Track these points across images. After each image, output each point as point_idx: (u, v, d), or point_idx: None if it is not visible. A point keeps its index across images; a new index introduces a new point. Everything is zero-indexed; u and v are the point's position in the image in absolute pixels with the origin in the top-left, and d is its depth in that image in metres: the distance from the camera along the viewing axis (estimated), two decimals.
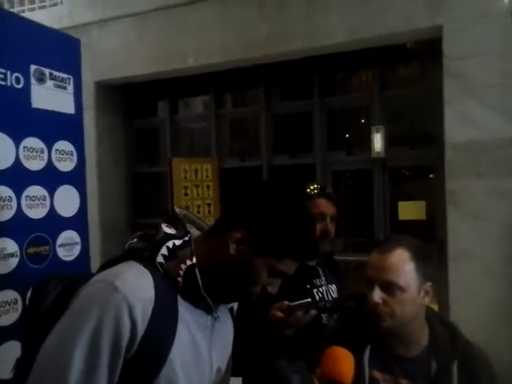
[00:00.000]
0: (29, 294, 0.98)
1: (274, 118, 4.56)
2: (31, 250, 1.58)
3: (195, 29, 4.14)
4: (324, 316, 1.61)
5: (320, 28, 3.74)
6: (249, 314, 1.12)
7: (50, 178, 1.68)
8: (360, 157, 4.18)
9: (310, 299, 1.41)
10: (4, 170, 1.50)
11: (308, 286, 1.63)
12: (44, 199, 1.64)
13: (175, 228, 0.95)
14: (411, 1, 3.43)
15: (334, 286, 1.72)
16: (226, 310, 1.06)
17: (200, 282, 0.90)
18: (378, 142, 4.01)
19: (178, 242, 0.92)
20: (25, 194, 1.57)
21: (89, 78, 4.27)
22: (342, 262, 1.88)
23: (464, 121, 3.27)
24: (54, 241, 1.69)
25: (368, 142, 4.04)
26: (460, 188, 3.30)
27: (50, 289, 0.93)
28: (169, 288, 0.88)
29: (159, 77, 4.51)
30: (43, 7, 4.91)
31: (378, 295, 1.14)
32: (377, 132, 4.01)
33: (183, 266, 0.89)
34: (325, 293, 1.66)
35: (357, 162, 4.26)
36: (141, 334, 0.82)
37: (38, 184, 1.62)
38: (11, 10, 4.90)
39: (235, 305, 1.10)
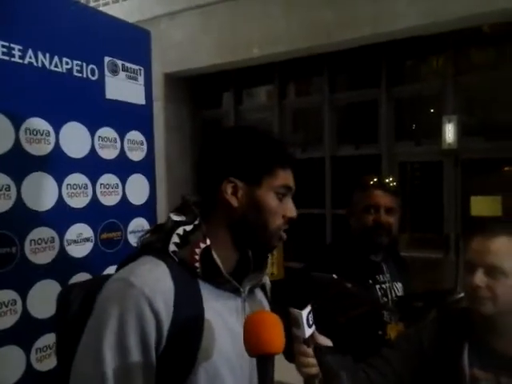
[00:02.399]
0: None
1: (338, 107, 4.46)
2: (104, 236, 1.65)
3: (260, 18, 4.13)
4: (386, 313, 1.56)
5: (389, 12, 3.58)
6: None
7: (123, 167, 1.73)
8: (430, 148, 4.00)
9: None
10: (81, 158, 1.58)
11: (370, 282, 1.58)
12: (117, 187, 1.71)
13: (185, 215, 0.92)
14: None
15: (399, 283, 1.65)
16: (258, 289, 1.02)
17: (220, 263, 0.87)
18: (449, 132, 3.80)
19: (188, 228, 0.89)
20: (99, 181, 1.64)
21: (158, 69, 4.40)
22: (407, 258, 1.80)
23: None
24: (126, 227, 1.75)
25: (438, 133, 3.84)
26: None
27: (73, 298, 0.93)
28: (187, 275, 0.86)
29: (224, 67, 4.56)
30: (116, 1, 5.12)
31: (480, 279, 1.11)
32: (449, 122, 3.80)
33: (198, 251, 0.87)
34: (388, 290, 1.60)
35: (426, 154, 4.07)
36: (167, 325, 0.80)
37: (111, 172, 1.68)
38: (88, 5, 5.16)
39: (267, 282, 1.06)
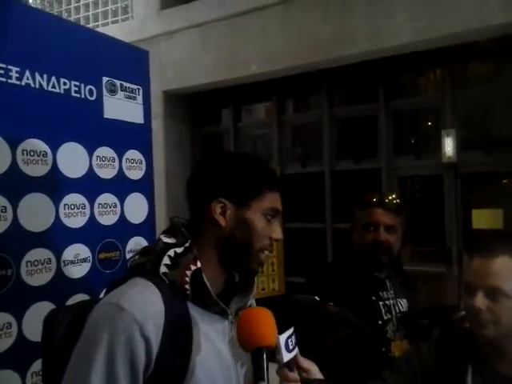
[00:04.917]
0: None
1: (337, 122, 4.47)
2: (102, 256, 1.64)
3: (258, 36, 4.17)
4: (390, 331, 1.54)
5: (385, 29, 3.62)
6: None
7: (121, 186, 1.74)
8: (429, 161, 3.99)
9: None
10: (78, 178, 1.58)
11: (373, 298, 1.57)
12: (115, 206, 1.70)
13: (175, 237, 0.93)
14: None
15: (403, 300, 1.63)
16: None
17: (209, 286, 0.88)
18: (449, 145, 3.80)
19: (179, 250, 0.90)
20: (97, 201, 1.64)
21: (157, 87, 4.44)
22: (409, 272, 1.79)
23: None
24: (124, 247, 1.74)
25: (438, 146, 3.84)
26: None
27: (59, 320, 0.92)
28: (177, 297, 0.87)
29: (223, 85, 4.58)
30: (115, 21, 5.19)
31: (481, 301, 1.08)
32: (448, 136, 3.80)
33: (188, 273, 0.87)
34: (392, 306, 1.59)
35: (426, 167, 4.06)
36: (156, 349, 0.80)
37: (109, 192, 1.68)
38: (87, 25, 5.23)
39: (253, 303, 1.06)
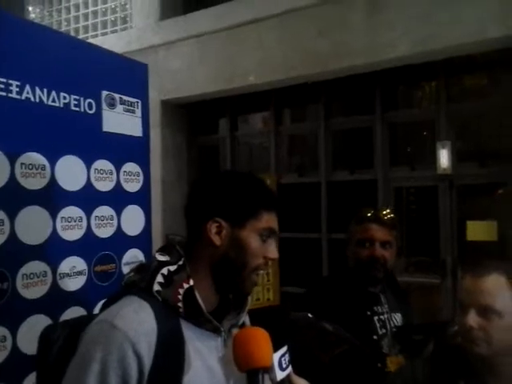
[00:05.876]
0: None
1: (334, 133, 4.50)
2: (98, 268, 1.64)
3: (255, 47, 4.20)
4: (385, 345, 1.54)
5: (382, 42, 3.65)
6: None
7: (118, 199, 1.74)
8: (425, 173, 4.02)
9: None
10: (76, 191, 1.58)
11: (368, 313, 1.57)
12: (112, 219, 1.71)
13: (169, 254, 0.94)
14: (481, 10, 3.27)
15: (398, 314, 1.64)
16: (238, 328, 1.02)
17: (202, 303, 0.89)
18: (444, 157, 3.82)
19: (172, 268, 0.91)
20: (94, 213, 1.65)
21: (155, 97, 4.46)
22: (403, 283, 1.80)
23: None
24: (120, 259, 1.74)
25: (433, 158, 3.87)
26: None
27: (55, 338, 0.93)
28: (170, 315, 0.88)
29: (221, 95, 4.61)
30: (114, 31, 5.21)
31: (473, 319, 1.09)
32: (443, 147, 3.83)
33: (181, 291, 0.89)
34: (387, 321, 1.59)
35: (421, 179, 4.09)
36: (148, 366, 0.81)
37: (106, 204, 1.69)
38: (85, 35, 5.26)
39: (247, 321, 1.07)
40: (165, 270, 0.91)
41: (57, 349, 0.92)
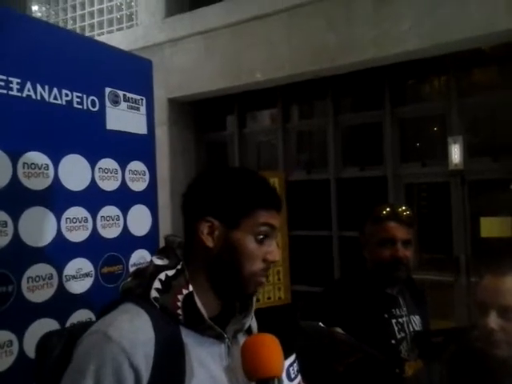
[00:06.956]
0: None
1: (343, 129, 4.44)
2: (105, 270, 1.61)
3: (263, 43, 4.15)
4: (403, 350, 1.49)
5: (390, 36, 3.59)
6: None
7: (124, 198, 1.70)
8: (436, 169, 3.95)
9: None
10: (80, 191, 1.55)
11: (386, 316, 1.51)
12: (118, 219, 1.67)
13: (167, 258, 0.88)
14: (490, 3, 3.19)
15: (417, 316, 1.57)
16: (244, 333, 0.96)
17: (203, 310, 0.83)
18: (455, 153, 3.75)
19: (170, 273, 0.85)
20: (100, 214, 1.61)
21: (162, 94, 4.43)
22: (416, 281, 1.73)
23: None
24: (127, 260, 1.71)
25: (444, 153, 3.80)
26: None
27: (52, 346, 0.88)
28: (169, 323, 0.82)
29: (228, 92, 4.57)
30: (120, 29, 5.19)
31: (494, 321, 1.06)
32: (454, 143, 3.76)
33: (180, 297, 0.83)
34: (405, 324, 1.53)
35: (433, 175, 4.02)
36: (146, 379, 0.76)
37: (112, 204, 1.65)
38: (91, 33, 5.24)
39: (254, 326, 1.01)
40: (162, 275, 0.85)
41: (54, 359, 0.87)
